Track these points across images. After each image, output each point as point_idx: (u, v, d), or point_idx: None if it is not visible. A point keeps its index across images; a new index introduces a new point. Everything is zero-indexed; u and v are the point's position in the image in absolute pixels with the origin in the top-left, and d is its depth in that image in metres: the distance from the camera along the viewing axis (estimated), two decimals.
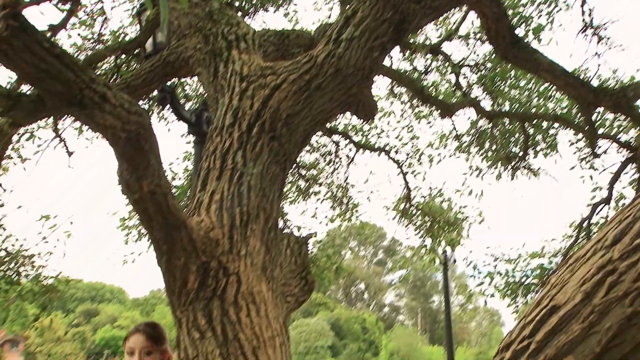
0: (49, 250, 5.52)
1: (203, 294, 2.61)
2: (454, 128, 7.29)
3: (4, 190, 5.13)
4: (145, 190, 2.39)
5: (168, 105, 5.07)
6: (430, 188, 7.67)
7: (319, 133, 7.28)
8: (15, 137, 5.82)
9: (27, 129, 5.89)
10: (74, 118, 4.24)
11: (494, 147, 6.76)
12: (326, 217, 7.40)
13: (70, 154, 5.92)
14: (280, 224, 6.43)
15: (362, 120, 3.64)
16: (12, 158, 5.95)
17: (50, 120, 6.04)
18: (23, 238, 5.50)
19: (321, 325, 64.64)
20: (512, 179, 6.85)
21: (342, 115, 7.18)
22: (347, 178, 7.39)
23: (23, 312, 5.53)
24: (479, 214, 7.52)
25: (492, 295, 6.39)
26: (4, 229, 5.35)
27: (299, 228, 6.30)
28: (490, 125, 6.71)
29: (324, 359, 62.41)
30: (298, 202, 7.44)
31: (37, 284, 5.48)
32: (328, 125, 7.30)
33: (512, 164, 6.66)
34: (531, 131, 6.72)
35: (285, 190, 7.19)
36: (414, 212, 7.26)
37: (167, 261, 2.60)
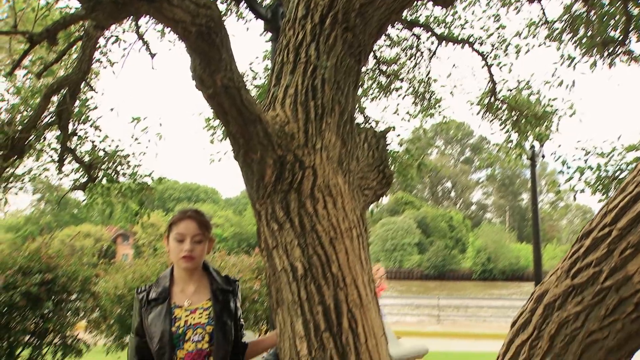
0: (141, 150, 5.80)
1: (280, 187, 2.67)
2: (544, 14, 6.78)
3: (96, 92, 5.34)
4: (219, 85, 2.41)
5: (244, 3, 5.00)
6: (518, 81, 7.31)
7: (399, 26, 7.01)
8: (102, 42, 6.00)
9: (112, 33, 6.04)
10: (152, 19, 4.27)
11: (589, 33, 6.26)
12: (408, 113, 7.27)
13: (152, 55, 6.04)
14: (360, 119, 6.39)
15: (440, 7, 3.45)
16: (101, 62, 6.16)
17: (133, 23, 6.16)
18: (118, 139, 5.79)
19: (408, 223, 65.54)
20: (610, 66, 6.38)
21: (422, 5, 6.85)
22: (429, 72, 7.15)
23: (130, 210, 5.90)
24: (570, 107, 7.12)
25: (582, 191, 6.16)
26: (100, 131, 5.63)
27: (377, 122, 6.22)
28: (586, 8, 6.19)
29: (410, 255, 63.75)
30: (379, 99, 7.32)
31: (134, 182, 5.80)
32: (409, 17, 7.01)
33: (610, 50, 6.16)
34: (635, 12, 6.14)
35: (365, 87, 7.08)
36: (499, 106, 6.97)
37: (244, 155, 2.66)
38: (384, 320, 12.29)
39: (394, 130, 6.23)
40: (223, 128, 7.38)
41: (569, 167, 6.28)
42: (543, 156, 9.06)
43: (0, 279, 5.35)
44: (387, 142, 3.70)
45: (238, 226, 60.42)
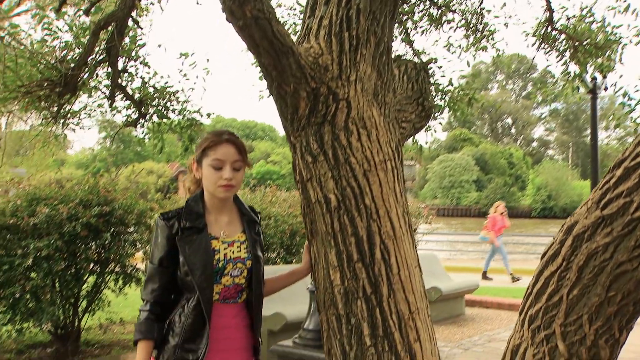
0: (190, 86, 5.87)
1: (314, 120, 2.67)
2: None
3: (142, 29, 5.39)
4: (249, 16, 2.39)
5: None
6: (580, 8, 6.91)
7: None
8: None
9: None
10: None
11: None
12: (459, 46, 7.03)
13: None
14: (409, 52, 6.23)
15: None
16: None
17: None
18: (167, 75, 5.88)
19: (466, 160, 64.57)
20: None
21: None
22: (481, 3, 6.85)
23: (184, 144, 6.04)
24: (637, 34, 6.69)
25: None
26: (149, 67, 5.71)
27: (418, 54, 6.05)
28: None
29: (468, 193, 63.10)
30: (430, 32, 7.10)
31: (184, 118, 5.92)
32: None
33: None
34: None
35: (415, 19, 6.87)
36: (556, 36, 6.64)
37: (277, 88, 2.66)
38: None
39: (435, 62, 6.04)
40: None
41: (630, 99, 5.98)
42: (605, 88, 8.65)
43: (64, 210, 5.65)
44: (429, 75, 3.62)
45: None
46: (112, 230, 5.98)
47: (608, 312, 1.94)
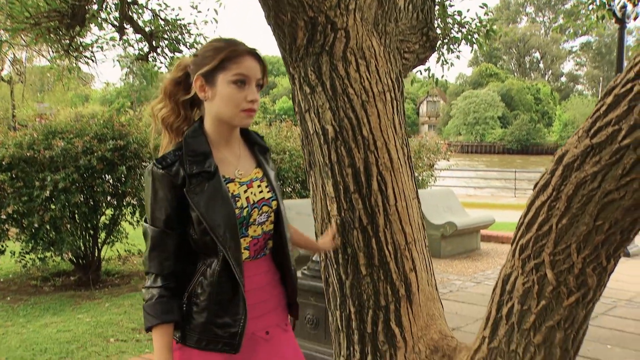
0: (203, 19, 5.83)
1: (312, 50, 2.64)
2: None
3: None
4: None
5: None
6: None
7: None
8: None
9: None
10: None
11: None
12: None
13: None
14: None
15: None
16: None
17: None
18: (178, 7, 5.81)
19: (491, 96, 63.46)
20: None
21: None
22: None
23: None
24: None
25: None
26: None
27: None
28: None
29: (493, 130, 62.36)
30: None
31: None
32: None
33: None
34: None
35: None
36: None
37: (274, 17, 2.62)
38: None
39: None
40: None
41: None
42: (636, 17, 8.32)
43: (79, 143, 5.74)
44: (435, 3, 3.52)
45: None
46: (127, 164, 6.08)
47: (596, 241, 1.94)
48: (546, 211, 2.02)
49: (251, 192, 1.89)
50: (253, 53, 1.85)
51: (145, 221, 1.80)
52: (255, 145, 2.01)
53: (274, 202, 1.95)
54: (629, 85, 1.64)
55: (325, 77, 2.62)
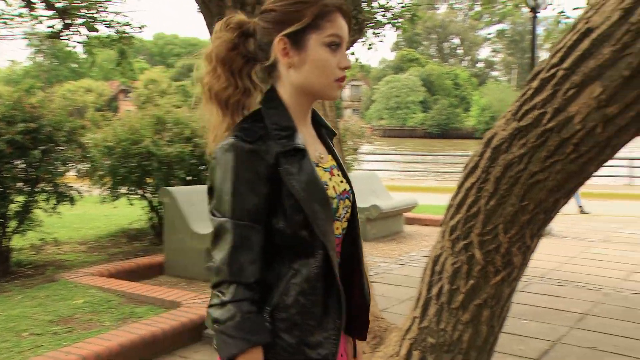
0: None
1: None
2: None
3: None
4: None
5: None
6: None
7: None
8: None
9: None
10: None
11: None
12: None
13: None
14: None
15: None
16: None
17: None
18: None
19: (412, 81, 64.80)
20: None
21: None
22: None
23: (128, 65, 5.78)
24: None
25: None
26: None
27: None
28: None
29: (414, 114, 63.76)
30: None
31: (118, 32, 5.65)
32: None
33: None
34: None
35: None
36: None
37: None
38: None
39: None
40: None
41: (568, 18, 6.05)
42: (545, 7, 8.69)
43: None
44: None
45: None
46: (40, 147, 5.75)
47: (521, 221, 2.01)
48: (475, 193, 2.07)
49: (334, 182, 1.52)
50: (343, 8, 1.46)
51: (216, 213, 1.34)
52: (321, 127, 1.58)
53: (352, 196, 1.57)
54: (553, 70, 1.70)
55: None
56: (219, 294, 1.30)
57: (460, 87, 66.92)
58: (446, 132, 60.10)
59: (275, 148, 1.34)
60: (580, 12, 4.84)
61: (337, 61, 1.40)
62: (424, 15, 7.14)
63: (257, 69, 1.47)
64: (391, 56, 73.46)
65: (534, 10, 8.61)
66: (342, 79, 1.43)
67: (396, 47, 72.77)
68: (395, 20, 6.49)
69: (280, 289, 1.38)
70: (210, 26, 2.65)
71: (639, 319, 4.97)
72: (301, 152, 1.39)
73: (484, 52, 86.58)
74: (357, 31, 3.19)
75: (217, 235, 1.33)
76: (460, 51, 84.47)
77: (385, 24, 6.60)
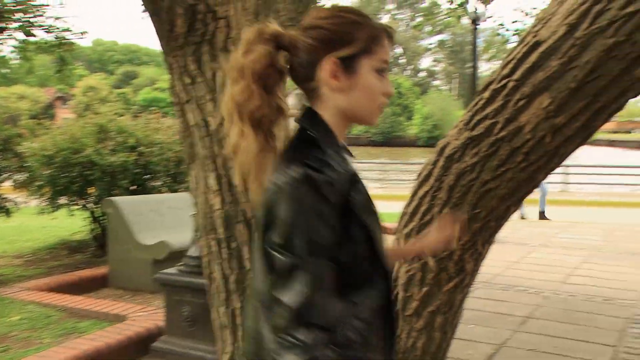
0: (60, 1, 5.42)
1: (192, 39, 2.54)
2: None
3: None
4: None
5: None
6: None
7: None
8: None
9: None
10: None
11: None
12: None
13: None
14: None
15: None
16: None
17: None
18: None
19: None
20: None
21: None
22: None
23: (69, 72, 5.59)
24: None
25: None
26: None
27: None
28: None
29: (354, 125, 64.34)
30: None
31: (57, 39, 5.48)
32: None
33: None
34: None
35: None
36: None
37: (151, 2, 2.49)
38: None
39: None
40: None
41: (507, 30, 6.25)
42: (486, 19, 8.98)
43: None
44: None
45: None
46: None
47: (473, 229, 2.05)
48: (429, 201, 2.10)
49: None
50: (390, 32, 1.40)
51: (284, 251, 1.18)
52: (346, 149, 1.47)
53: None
54: (504, 81, 1.75)
55: (206, 67, 2.53)
56: (297, 340, 1.16)
57: (403, 96, 68.03)
58: (390, 140, 60.96)
59: (342, 176, 1.24)
60: (519, 24, 5.00)
61: (383, 87, 1.36)
62: (396, 25, 7.19)
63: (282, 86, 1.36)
64: None
65: (475, 22, 8.87)
66: (384, 104, 1.39)
67: None
68: None
69: (344, 324, 1.25)
70: (160, 33, 2.60)
71: (577, 320, 5.16)
72: (356, 177, 1.31)
73: (426, 62, 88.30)
74: None
75: (288, 275, 1.18)
76: (402, 60, 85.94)
77: None
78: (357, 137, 62.43)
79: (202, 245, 2.69)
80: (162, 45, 2.66)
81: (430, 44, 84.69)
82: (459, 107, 65.52)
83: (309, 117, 1.33)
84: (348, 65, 1.30)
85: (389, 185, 19.11)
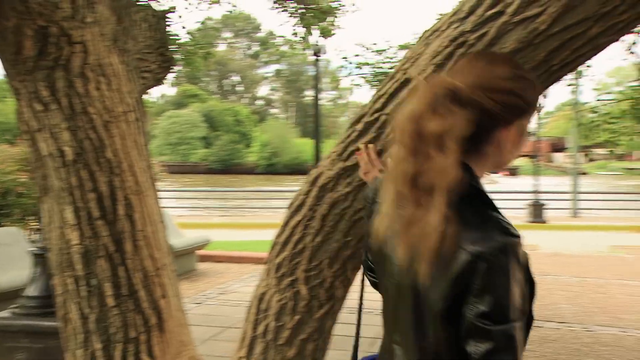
0: None
1: (44, 63, 2.37)
2: None
3: None
4: None
5: None
6: None
7: None
8: None
9: None
10: None
11: None
12: None
13: None
14: None
15: None
16: None
17: None
18: None
19: (194, 116, 64.66)
20: None
21: None
22: None
23: None
24: (353, 3, 7.38)
25: (360, 85, 6.54)
26: None
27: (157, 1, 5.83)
28: None
29: (196, 150, 63.51)
30: None
31: None
32: None
33: None
34: None
35: None
36: None
37: None
38: None
39: (174, 11, 5.89)
40: None
41: (350, 63, 6.59)
42: (326, 51, 9.37)
43: None
44: (167, 24, 3.48)
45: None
46: None
47: (344, 256, 2.13)
48: (301, 230, 2.14)
49: None
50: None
51: (502, 319, 1.16)
52: None
53: None
54: (376, 115, 1.85)
55: (61, 94, 2.38)
56: None
57: (241, 124, 68.46)
58: (228, 167, 60.81)
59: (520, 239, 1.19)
60: (361, 58, 5.29)
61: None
62: (216, 54, 7.23)
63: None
64: (171, 91, 72.51)
65: (317, 53, 9.23)
66: None
67: (177, 82, 72.13)
68: (189, 59, 6.48)
69: None
70: (3, 56, 2.39)
71: None
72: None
73: (263, 90, 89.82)
74: (165, 68, 3.12)
75: (506, 341, 1.16)
76: (240, 88, 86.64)
77: (177, 61, 6.56)
78: (195, 164, 61.48)
79: (55, 284, 2.48)
80: (5, 67, 2.46)
81: (267, 72, 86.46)
82: (296, 135, 67.38)
83: (472, 175, 1.24)
84: (522, 129, 1.28)
85: (233, 213, 19.01)
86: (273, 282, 2.27)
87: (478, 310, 1.15)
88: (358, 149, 1.81)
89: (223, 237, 11.88)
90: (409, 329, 1.27)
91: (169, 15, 3.80)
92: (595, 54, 1.56)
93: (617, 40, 1.56)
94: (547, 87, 1.63)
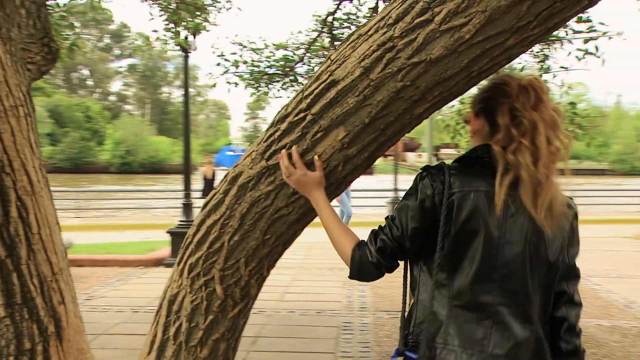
0: None
1: None
2: None
3: None
4: None
5: None
6: None
7: None
8: None
9: None
10: None
11: None
12: None
13: None
14: None
15: None
16: None
17: None
18: None
19: (38, 111, 60.09)
20: None
21: None
22: None
23: None
24: (228, 0, 7.29)
25: (237, 84, 6.50)
26: None
27: None
28: None
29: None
30: None
31: None
32: None
33: None
34: None
35: None
36: None
37: None
38: None
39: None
40: None
41: (226, 60, 6.52)
42: (195, 48, 9.18)
43: None
44: (49, 12, 3.24)
45: None
46: None
47: (262, 254, 2.14)
48: (218, 229, 2.12)
49: None
50: None
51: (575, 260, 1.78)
52: None
53: None
54: (302, 115, 1.89)
55: None
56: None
57: (92, 120, 64.80)
58: (79, 166, 57.26)
59: None
60: (237, 56, 5.26)
61: None
62: (84, 45, 6.83)
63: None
64: None
65: (186, 50, 9.02)
66: None
67: None
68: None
69: None
70: None
71: (298, 334, 5.61)
72: None
73: (116, 86, 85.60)
74: (50, 60, 2.92)
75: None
76: (90, 83, 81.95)
77: (59, 48, 6.11)
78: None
79: None
80: None
81: (120, 67, 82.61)
82: (152, 133, 65.08)
83: None
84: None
85: (89, 214, 17.98)
86: (186, 282, 2.23)
87: (572, 254, 1.75)
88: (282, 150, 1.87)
89: (82, 240, 11.22)
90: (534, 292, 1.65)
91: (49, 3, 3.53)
92: (507, 63, 1.73)
93: (526, 51, 1.74)
94: (464, 92, 1.77)
